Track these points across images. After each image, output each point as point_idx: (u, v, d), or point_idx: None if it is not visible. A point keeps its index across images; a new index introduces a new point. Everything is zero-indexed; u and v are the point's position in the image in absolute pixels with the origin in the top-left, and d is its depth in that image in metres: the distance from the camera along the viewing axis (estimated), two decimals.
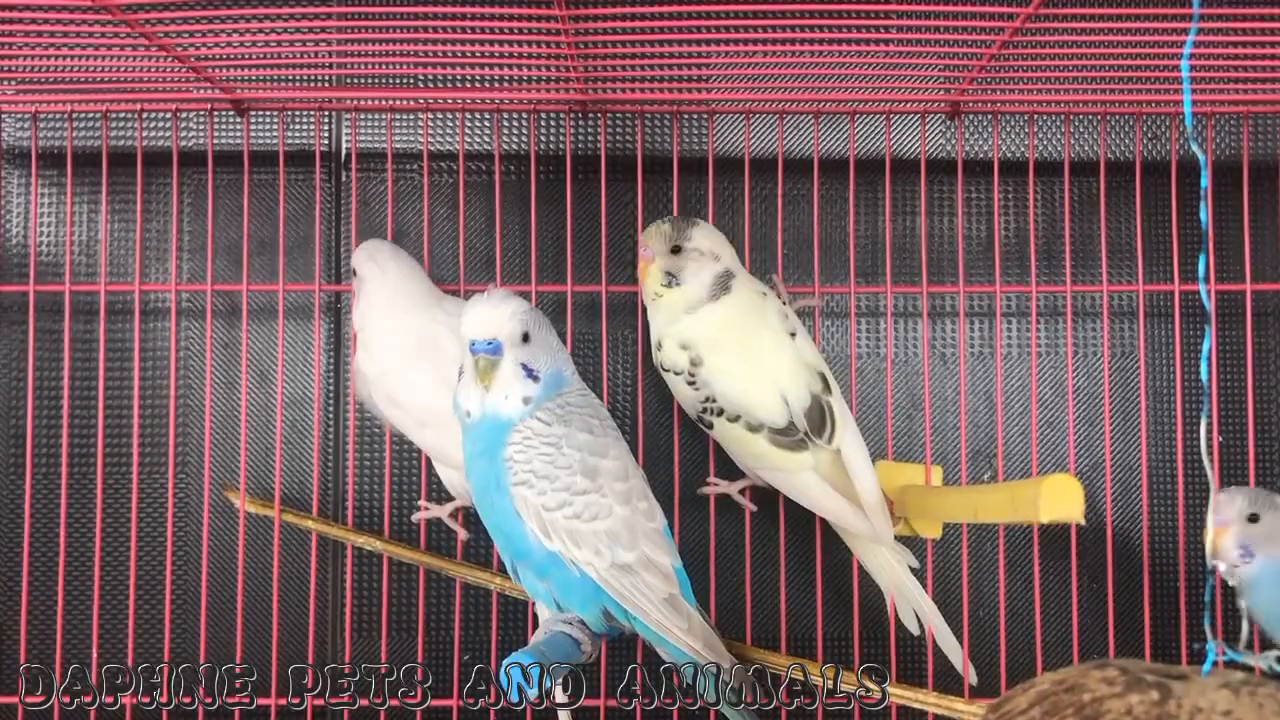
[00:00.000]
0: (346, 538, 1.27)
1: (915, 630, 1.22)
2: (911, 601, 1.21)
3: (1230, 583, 0.98)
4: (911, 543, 1.29)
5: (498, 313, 1.00)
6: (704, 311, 1.16)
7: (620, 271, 1.34)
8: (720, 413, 1.16)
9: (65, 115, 1.30)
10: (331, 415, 1.34)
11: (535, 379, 1.01)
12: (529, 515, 0.99)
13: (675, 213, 1.30)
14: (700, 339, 1.16)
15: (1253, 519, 1.10)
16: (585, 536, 0.98)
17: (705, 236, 1.18)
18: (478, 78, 1.26)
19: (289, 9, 1.02)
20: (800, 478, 1.16)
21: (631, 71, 1.17)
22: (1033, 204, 1.33)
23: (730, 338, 1.15)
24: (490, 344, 0.99)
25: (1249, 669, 0.59)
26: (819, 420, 1.15)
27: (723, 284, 1.17)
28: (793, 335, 1.17)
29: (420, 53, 1.14)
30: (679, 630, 0.99)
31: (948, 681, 1.22)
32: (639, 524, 1.00)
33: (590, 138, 1.35)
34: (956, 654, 1.21)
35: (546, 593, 1.03)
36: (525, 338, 1.00)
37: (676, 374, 1.17)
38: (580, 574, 0.99)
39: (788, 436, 1.15)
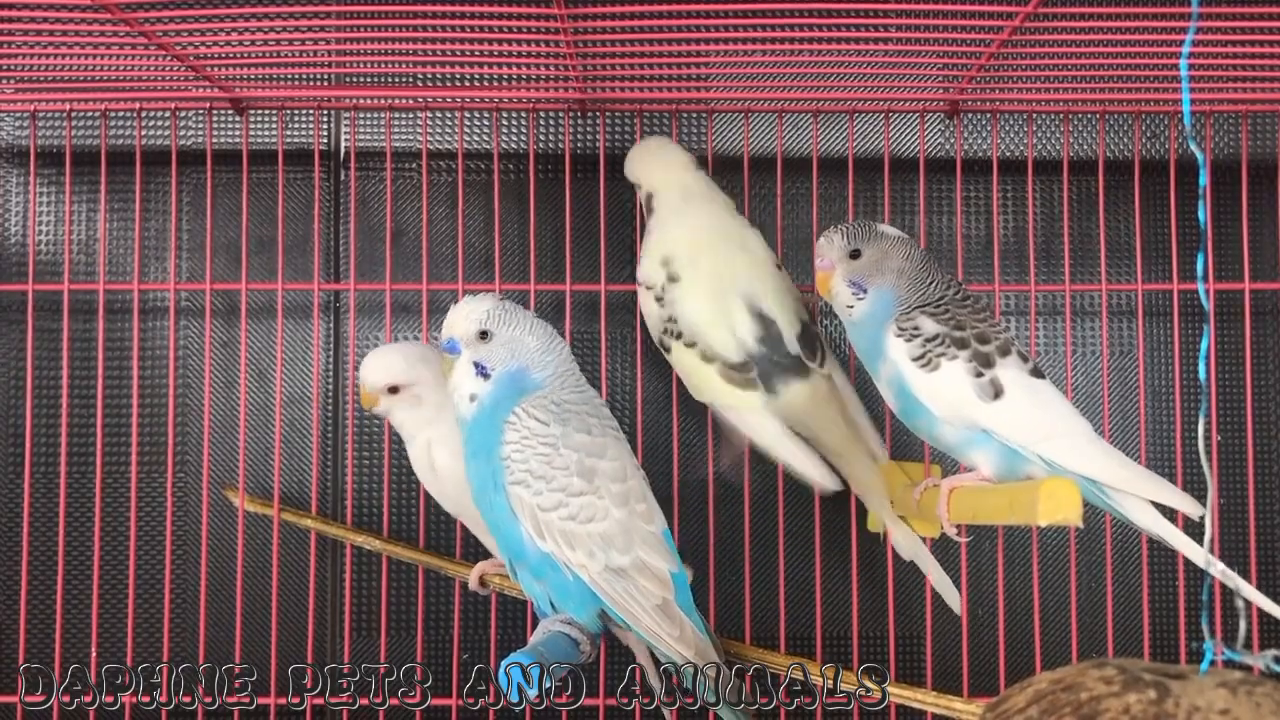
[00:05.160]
0: (345, 537, 1.27)
1: (956, 608, 1.20)
2: (927, 568, 1.20)
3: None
4: None
5: (457, 313, 1.03)
6: (690, 222, 1.17)
7: (619, 271, 1.34)
8: (679, 335, 1.15)
9: (64, 114, 1.30)
10: (330, 414, 1.34)
11: (485, 376, 1.02)
12: (524, 515, 0.98)
13: None
14: (683, 254, 1.15)
15: (854, 255, 1.07)
16: (580, 538, 0.97)
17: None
18: (477, 76, 1.26)
19: (288, 8, 1.02)
20: (750, 417, 1.15)
21: (630, 70, 1.17)
22: (1031, 203, 1.33)
23: (712, 258, 1.15)
24: (449, 343, 1.03)
25: (1247, 668, 0.59)
26: (812, 345, 1.16)
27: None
28: (779, 267, 1.18)
29: (419, 51, 1.14)
30: (670, 637, 0.99)
31: (946, 681, 1.22)
32: (636, 527, 0.99)
33: (589, 137, 1.35)
34: (955, 600, 1.19)
35: (543, 594, 1.02)
36: (484, 335, 1.02)
37: (648, 289, 1.17)
38: (574, 577, 0.99)
39: (740, 373, 1.14)
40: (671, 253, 1.16)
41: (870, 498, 1.21)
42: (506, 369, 1.02)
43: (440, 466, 1.13)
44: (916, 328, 1.05)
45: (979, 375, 1.02)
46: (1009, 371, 1.02)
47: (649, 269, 1.17)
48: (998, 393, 1.02)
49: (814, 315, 1.20)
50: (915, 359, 1.04)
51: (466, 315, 1.02)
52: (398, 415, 1.15)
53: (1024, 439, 1.01)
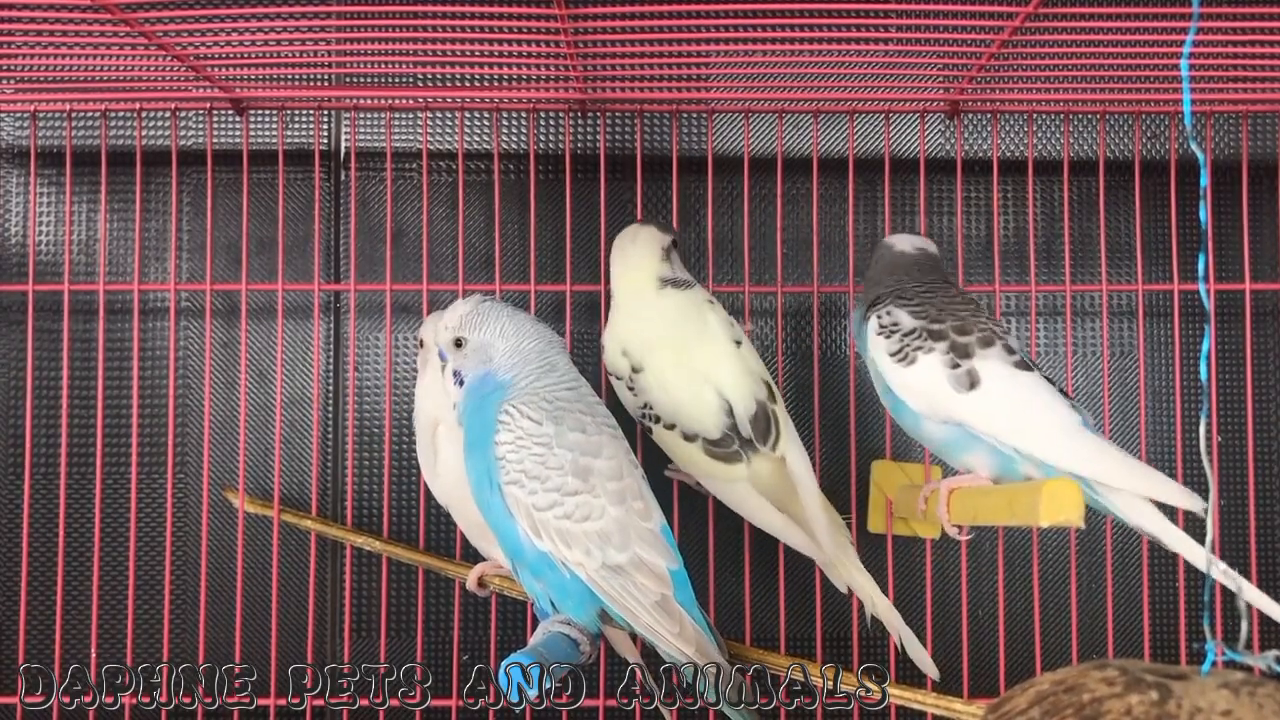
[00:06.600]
0: (345, 538, 1.27)
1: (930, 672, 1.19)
2: (869, 604, 1.19)
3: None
4: (911, 543, 1.29)
5: (429, 326, 1.07)
6: (644, 314, 1.16)
7: None
8: (657, 420, 1.16)
9: (64, 114, 1.30)
10: (330, 415, 1.34)
11: (459, 384, 1.05)
12: (520, 514, 0.98)
13: (675, 213, 1.30)
14: (639, 345, 1.15)
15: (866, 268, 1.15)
16: (576, 536, 0.97)
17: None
18: (477, 77, 1.26)
19: (288, 8, 1.02)
20: (734, 488, 1.16)
21: (631, 71, 1.17)
22: (1032, 203, 1.33)
23: (669, 346, 1.15)
24: (440, 352, 1.06)
25: (1249, 669, 0.59)
26: (765, 427, 1.14)
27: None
28: (738, 344, 1.16)
29: (420, 52, 1.14)
30: (669, 634, 0.98)
31: (947, 682, 1.21)
32: (633, 524, 0.99)
33: (590, 137, 1.35)
34: (921, 654, 1.18)
35: (543, 593, 1.02)
36: (458, 343, 1.04)
37: (618, 379, 1.17)
38: (571, 575, 0.98)
39: (721, 448, 1.14)
40: (627, 345, 1.16)
41: (829, 570, 1.20)
42: (476, 373, 1.04)
43: (443, 458, 1.14)
44: (895, 323, 1.05)
45: (955, 366, 1.01)
46: (989, 363, 1.01)
47: (613, 360, 1.17)
48: (973, 384, 1.00)
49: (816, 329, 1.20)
50: (893, 354, 1.04)
51: (445, 326, 1.05)
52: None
53: (996, 430, 0.99)
